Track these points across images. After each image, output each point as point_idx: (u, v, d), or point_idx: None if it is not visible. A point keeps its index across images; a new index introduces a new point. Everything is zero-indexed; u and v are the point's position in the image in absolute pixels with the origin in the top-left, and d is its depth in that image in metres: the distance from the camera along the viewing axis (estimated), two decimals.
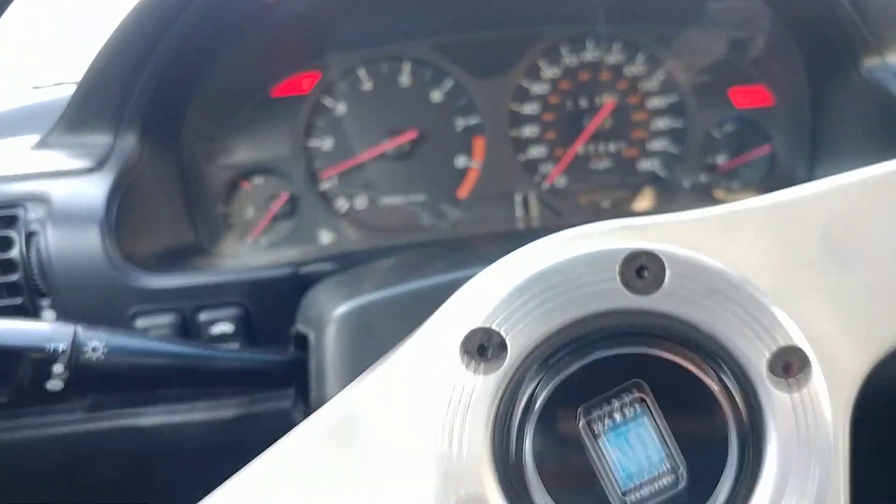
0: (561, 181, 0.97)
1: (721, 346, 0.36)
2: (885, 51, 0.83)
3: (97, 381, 0.55)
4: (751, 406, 0.36)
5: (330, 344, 0.60)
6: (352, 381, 0.59)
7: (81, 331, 0.55)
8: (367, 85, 0.96)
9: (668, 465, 0.35)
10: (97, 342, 0.55)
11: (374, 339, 0.59)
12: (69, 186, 0.79)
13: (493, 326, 0.36)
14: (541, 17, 0.96)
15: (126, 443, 0.80)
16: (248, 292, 0.78)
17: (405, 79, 0.96)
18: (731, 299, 0.36)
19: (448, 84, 0.96)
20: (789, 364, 0.36)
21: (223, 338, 0.77)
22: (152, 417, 0.78)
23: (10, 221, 0.77)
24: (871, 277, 0.38)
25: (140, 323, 0.76)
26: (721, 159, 0.96)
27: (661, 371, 0.36)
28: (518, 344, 0.36)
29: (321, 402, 0.60)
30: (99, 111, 0.83)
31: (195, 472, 0.92)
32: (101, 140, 0.83)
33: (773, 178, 0.95)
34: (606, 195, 0.97)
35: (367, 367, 0.59)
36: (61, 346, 0.54)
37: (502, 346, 0.36)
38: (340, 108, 0.96)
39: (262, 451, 0.82)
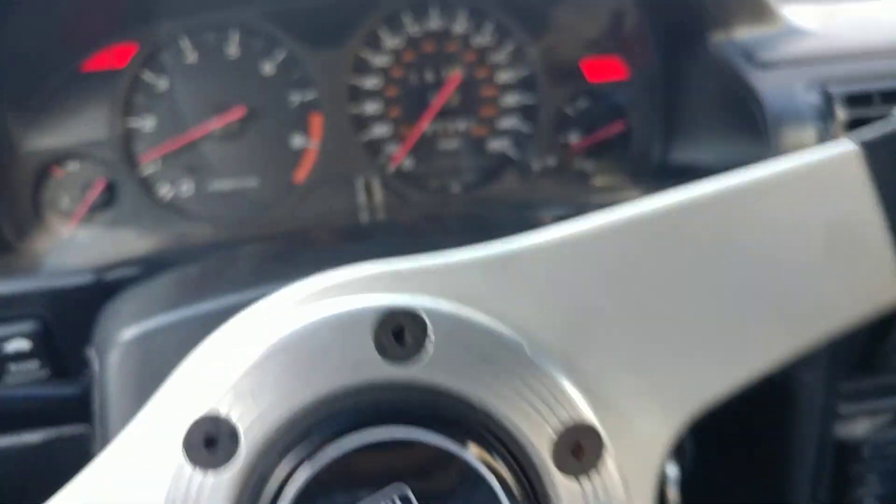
0: (407, 163, 0.90)
1: (499, 425, 0.31)
2: (731, 27, 0.81)
3: None
4: (535, 497, 0.31)
5: (111, 376, 0.52)
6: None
7: None
8: (192, 57, 0.87)
9: None
10: None
11: (163, 374, 0.52)
12: None
13: (222, 413, 0.30)
14: None
15: None
16: (47, 303, 0.69)
17: (233, 50, 0.87)
18: (508, 367, 0.31)
19: (280, 55, 0.88)
20: (579, 444, 0.31)
21: (19, 357, 0.69)
22: None
23: None
24: (677, 329, 0.33)
25: None
26: (574, 138, 0.92)
27: (428, 459, 0.30)
28: (253, 433, 0.30)
29: (103, 445, 0.53)
30: None
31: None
32: None
33: (628, 157, 0.91)
34: (456, 178, 0.91)
35: None
36: None
37: (234, 436, 0.30)
38: (162, 83, 0.87)
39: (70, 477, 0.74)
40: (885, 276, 0.33)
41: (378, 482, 0.30)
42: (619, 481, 0.31)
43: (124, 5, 0.85)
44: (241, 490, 0.30)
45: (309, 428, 0.30)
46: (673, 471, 0.69)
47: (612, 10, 0.89)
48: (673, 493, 0.68)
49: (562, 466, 0.31)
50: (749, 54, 0.79)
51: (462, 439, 0.30)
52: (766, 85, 0.76)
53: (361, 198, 0.88)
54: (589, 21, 0.91)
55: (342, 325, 0.30)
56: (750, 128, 0.76)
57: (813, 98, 0.75)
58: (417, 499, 0.30)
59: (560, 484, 0.31)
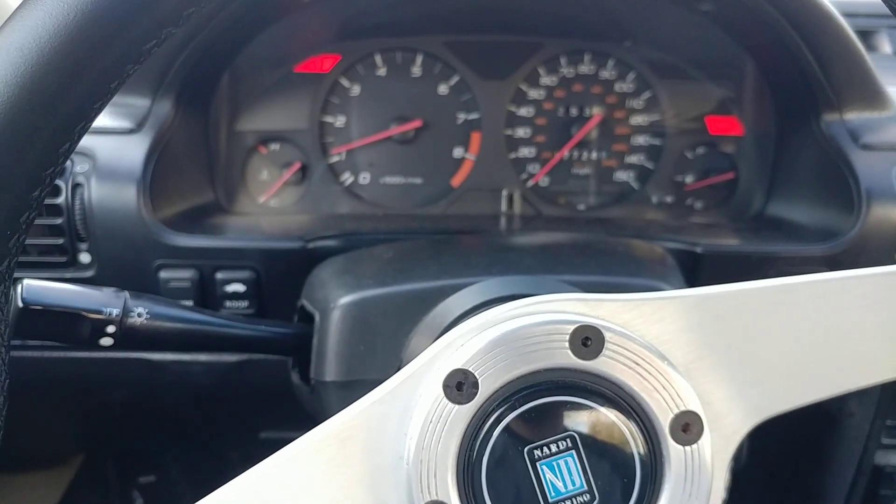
0: (544, 181, 1.08)
1: (638, 405, 0.48)
2: (844, 109, 0.94)
3: (140, 340, 0.67)
4: (654, 453, 0.47)
5: (333, 328, 0.71)
6: (346, 363, 0.71)
7: (129, 298, 0.67)
8: (382, 71, 1.06)
9: (587, 488, 0.48)
10: (142, 308, 0.67)
11: (371, 329, 0.71)
12: (112, 145, 0.89)
13: (471, 369, 0.47)
14: (546, 27, 1.05)
15: (137, 373, 0.92)
16: (261, 259, 0.89)
17: (416, 70, 1.06)
18: (650, 370, 0.48)
19: (455, 80, 1.06)
20: (687, 424, 0.47)
21: (235, 296, 0.89)
22: (163, 354, 0.90)
23: (59, 172, 0.86)
24: (759, 366, 0.49)
25: (163, 274, 0.88)
26: (689, 179, 1.08)
27: (592, 417, 0.48)
28: (488, 385, 0.47)
29: (319, 374, 0.72)
30: (141, 77, 0.92)
31: (196, 406, 1.05)
32: (140, 102, 0.92)
33: (733, 203, 1.06)
34: (583, 199, 1.08)
35: (361, 351, 0.71)
36: (114, 312, 0.65)
37: (475, 384, 0.47)
38: (355, 89, 1.06)
39: (257, 395, 0.95)
40: None
41: (557, 429, 0.47)
42: (708, 453, 0.48)
43: (334, 25, 1.04)
44: (474, 419, 0.47)
45: (521, 388, 0.48)
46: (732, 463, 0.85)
47: (740, 79, 1.04)
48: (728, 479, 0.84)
49: (674, 437, 0.48)
50: (855, 135, 0.92)
51: (616, 410, 0.47)
52: (865, 165, 0.90)
53: (504, 205, 1.05)
54: (718, 84, 1.06)
55: (552, 329, 0.48)
56: (844, 200, 0.90)
57: None
58: (581, 444, 0.47)
59: (672, 447, 0.47)
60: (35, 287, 0.64)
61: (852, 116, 0.94)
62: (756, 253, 0.90)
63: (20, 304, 0.63)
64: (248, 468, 0.48)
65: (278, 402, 0.87)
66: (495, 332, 0.48)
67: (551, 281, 0.71)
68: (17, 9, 0.41)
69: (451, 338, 0.50)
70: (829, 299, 0.50)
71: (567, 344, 0.48)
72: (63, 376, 0.93)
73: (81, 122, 0.44)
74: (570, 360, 0.48)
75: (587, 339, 0.48)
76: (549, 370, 0.48)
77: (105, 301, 0.66)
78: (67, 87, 0.41)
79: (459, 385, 0.47)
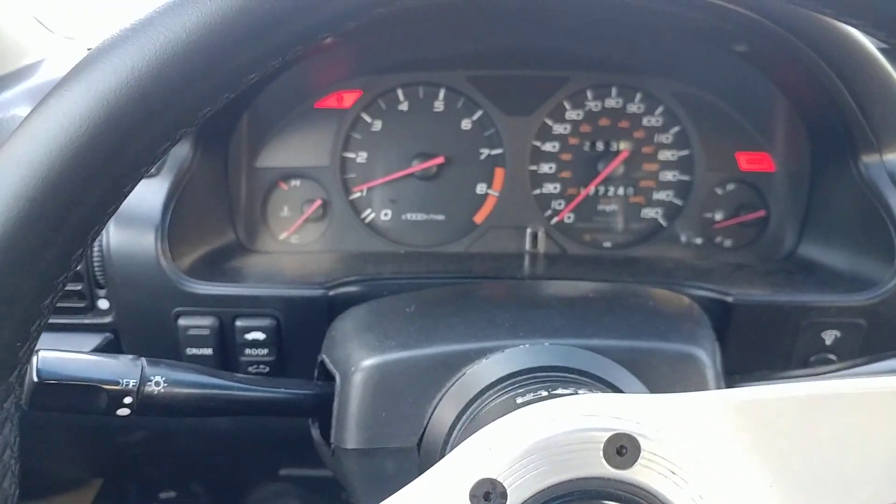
0: (569, 218, 1.05)
1: None
2: (884, 150, 0.90)
3: (158, 408, 0.66)
4: None
5: (354, 392, 0.69)
6: (368, 431, 0.69)
7: (147, 366, 0.65)
8: (404, 106, 1.03)
9: None
10: (159, 377, 0.65)
11: (393, 394, 0.69)
12: None
13: (499, 478, 0.46)
14: (571, 61, 1.03)
15: (155, 417, 0.90)
16: (281, 306, 0.87)
17: (439, 105, 1.03)
18: (688, 479, 0.46)
19: (478, 115, 1.03)
20: None
21: (255, 343, 0.87)
22: None
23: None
24: (802, 474, 0.47)
25: (182, 322, 0.86)
26: (719, 216, 1.05)
27: None
28: (517, 495, 0.45)
29: (340, 441, 0.71)
30: None
31: (215, 447, 1.04)
32: None
33: (763, 243, 1.03)
34: (609, 237, 1.05)
35: (383, 418, 0.69)
36: (132, 382, 0.64)
37: (504, 495, 0.46)
38: (377, 124, 1.04)
39: (276, 437, 0.93)
40: None
41: None
42: None
43: (355, 60, 1.01)
44: None
45: (551, 497, 0.46)
46: None
47: (772, 115, 1.01)
48: None
49: None
50: None
51: None
52: None
53: (528, 244, 1.03)
54: (749, 119, 1.02)
55: (584, 437, 0.46)
56: (882, 247, 0.87)
57: None
58: None
59: None
60: (51, 359, 0.62)
61: (893, 157, 0.91)
62: (789, 303, 0.87)
63: (35, 379, 0.61)
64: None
65: (297, 443, 0.85)
66: (526, 439, 0.46)
67: (580, 353, 0.69)
68: (24, 119, 0.40)
69: (476, 444, 0.48)
70: (882, 410, 0.47)
71: (601, 453, 0.46)
72: (80, 421, 0.93)
73: (94, 228, 0.42)
74: (604, 469, 0.46)
75: (622, 448, 0.46)
76: (580, 479, 0.46)
77: (122, 371, 0.64)
78: (79, 198, 0.40)
79: (487, 495, 0.45)
